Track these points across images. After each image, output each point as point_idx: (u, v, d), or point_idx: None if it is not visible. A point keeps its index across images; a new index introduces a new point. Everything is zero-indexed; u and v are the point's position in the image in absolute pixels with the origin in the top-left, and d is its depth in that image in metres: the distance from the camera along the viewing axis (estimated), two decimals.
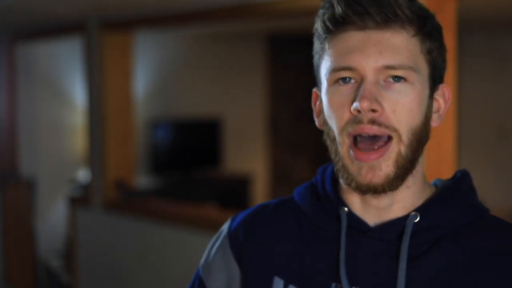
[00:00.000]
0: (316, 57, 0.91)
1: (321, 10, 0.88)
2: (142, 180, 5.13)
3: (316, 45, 0.90)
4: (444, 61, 0.91)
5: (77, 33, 4.00)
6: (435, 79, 0.89)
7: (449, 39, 2.24)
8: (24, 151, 4.81)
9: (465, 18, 3.18)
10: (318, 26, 0.89)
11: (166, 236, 3.41)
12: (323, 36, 0.88)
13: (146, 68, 5.24)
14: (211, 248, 1.01)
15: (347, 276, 0.86)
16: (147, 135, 5.30)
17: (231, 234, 0.98)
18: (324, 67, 0.88)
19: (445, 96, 0.91)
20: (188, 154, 5.49)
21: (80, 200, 4.06)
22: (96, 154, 3.86)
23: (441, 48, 0.90)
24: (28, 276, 4.49)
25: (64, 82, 4.97)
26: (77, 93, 4.93)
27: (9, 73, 4.65)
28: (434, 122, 0.90)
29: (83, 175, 4.81)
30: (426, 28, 0.86)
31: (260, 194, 5.97)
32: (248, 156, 5.98)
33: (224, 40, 5.71)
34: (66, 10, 3.49)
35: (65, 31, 4.12)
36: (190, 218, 3.29)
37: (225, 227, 1.01)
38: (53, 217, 4.94)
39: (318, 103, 0.93)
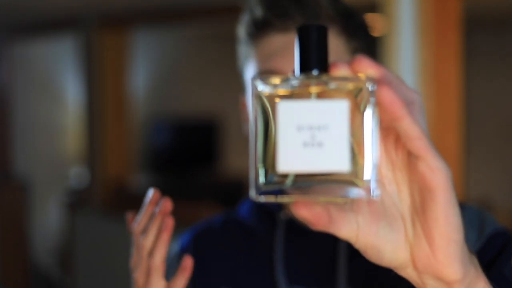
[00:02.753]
0: (239, 63, 0.89)
1: (242, 16, 0.86)
2: (141, 180, 5.08)
3: (240, 50, 0.88)
4: (373, 58, 0.86)
5: (73, 31, 3.95)
6: None
7: (454, 37, 2.18)
8: (17, 150, 4.75)
9: (471, 16, 3.11)
10: (240, 30, 0.87)
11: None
12: (246, 41, 0.85)
13: (146, 68, 5.19)
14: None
15: (287, 275, 0.85)
16: (146, 135, 5.25)
17: (183, 251, 0.96)
18: (248, 72, 0.86)
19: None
20: (187, 154, 5.46)
21: (77, 201, 4.02)
22: (94, 153, 3.81)
23: (368, 47, 0.87)
24: (23, 279, 4.43)
25: (56, 81, 4.92)
26: (69, 92, 4.88)
27: (2, 72, 4.60)
28: None
29: (76, 174, 4.75)
30: (351, 27, 0.84)
31: None
32: (247, 155, 5.92)
33: (224, 40, 5.66)
34: (62, 7, 3.43)
35: (60, 29, 4.07)
36: (189, 218, 3.23)
37: (174, 248, 0.99)
38: (47, 218, 4.88)
39: (245, 110, 0.91)
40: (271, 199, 0.46)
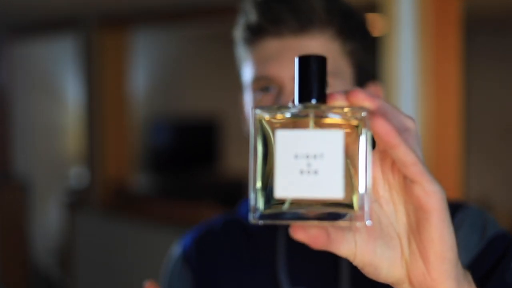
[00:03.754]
0: (238, 64, 0.90)
1: (239, 19, 0.86)
2: (141, 180, 5.08)
3: (237, 52, 0.89)
4: (371, 58, 0.88)
5: (73, 31, 3.95)
6: (361, 79, 0.86)
7: (454, 38, 2.18)
8: (17, 150, 4.75)
9: (471, 17, 3.11)
10: (236, 33, 0.87)
11: (166, 237, 3.36)
12: (242, 44, 0.86)
13: (146, 68, 5.19)
14: (167, 275, 0.99)
15: (290, 277, 0.85)
16: (146, 135, 5.25)
17: (186, 253, 0.96)
18: (245, 76, 0.86)
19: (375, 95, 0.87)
20: (187, 154, 5.46)
21: (77, 201, 4.01)
22: (94, 153, 3.81)
23: (367, 46, 0.87)
24: (23, 279, 4.42)
25: (56, 81, 4.92)
26: (69, 92, 4.88)
27: (2, 72, 4.59)
28: None
29: (76, 174, 4.75)
30: (347, 28, 0.83)
31: None
32: (247, 155, 5.91)
33: (224, 40, 5.65)
34: (62, 6, 3.43)
35: (60, 29, 4.07)
36: (189, 218, 3.24)
37: (176, 251, 0.99)
38: (47, 218, 4.88)
39: (244, 108, 0.92)
40: (269, 222, 0.48)
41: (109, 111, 3.74)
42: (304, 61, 0.50)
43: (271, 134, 0.48)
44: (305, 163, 0.47)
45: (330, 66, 0.78)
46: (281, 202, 0.48)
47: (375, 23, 2.33)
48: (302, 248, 0.86)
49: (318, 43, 0.81)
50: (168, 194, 4.83)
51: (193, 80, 5.58)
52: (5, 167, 4.61)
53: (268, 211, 0.48)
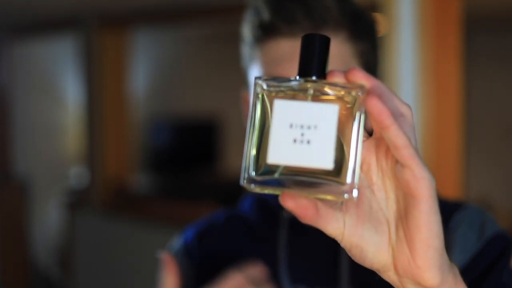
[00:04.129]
0: (244, 61, 0.88)
1: (248, 16, 0.85)
2: (141, 179, 5.08)
3: (245, 50, 0.87)
4: (377, 60, 0.88)
5: (73, 31, 3.95)
6: None
7: (455, 38, 2.18)
8: (16, 150, 4.75)
9: (472, 17, 3.11)
10: (245, 32, 0.86)
11: (165, 237, 3.35)
12: (251, 43, 0.85)
13: (146, 68, 5.18)
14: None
15: (290, 275, 0.85)
16: (146, 135, 5.25)
17: (187, 246, 0.97)
18: (252, 75, 0.85)
19: None
20: (187, 154, 5.45)
21: (77, 201, 4.01)
22: (94, 153, 3.80)
23: (374, 48, 0.87)
24: (23, 279, 4.42)
25: (56, 81, 4.92)
26: (69, 92, 4.87)
27: (2, 72, 4.59)
28: None
29: (76, 174, 4.75)
30: (359, 29, 0.83)
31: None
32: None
33: (225, 40, 5.65)
34: (62, 6, 3.43)
35: (60, 29, 4.06)
36: (189, 218, 3.23)
37: (177, 243, 0.99)
38: (47, 218, 4.88)
39: (246, 106, 0.91)
40: (259, 189, 0.49)
41: (109, 111, 3.74)
42: (309, 38, 0.52)
43: (268, 105, 0.50)
44: (299, 132, 0.49)
45: (341, 66, 0.78)
46: (273, 172, 0.49)
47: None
48: (303, 246, 0.87)
49: (331, 44, 0.82)
50: (168, 194, 4.83)
51: (193, 80, 5.57)
52: (5, 167, 4.61)
53: (260, 177, 0.49)
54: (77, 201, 4.00)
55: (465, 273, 0.57)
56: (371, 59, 0.86)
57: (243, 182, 0.50)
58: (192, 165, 5.46)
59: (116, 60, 3.76)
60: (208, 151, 5.56)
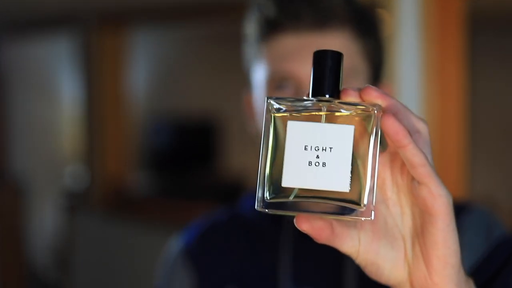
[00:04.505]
0: (247, 61, 0.88)
1: (252, 13, 0.85)
2: (140, 180, 5.06)
3: (248, 49, 0.87)
4: (382, 59, 0.87)
5: (71, 29, 3.93)
6: (376, 78, 0.87)
7: (458, 37, 2.17)
8: (14, 151, 4.73)
9: (476, 16, 3.10)
10: (249, 30, 0.85)
11: (165, 237, 3.34)
12: (256, 40, 0.84)
13: (145, 67, 5.17)
14: (167, 269, 0.97)
15: (294, 276, 0.85)
16: (145, 134, 5.24)
17: (188, 249, 0.95)
18: (258, 73, 0.84)
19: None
20: (187, 153, 5.45)
21: (75, 202, 4.00)
22: (92, 154, 3.79)
23: (379, 46, 0.87)
24: (20, 281, 4.39)
25: (54, 80, 4.91)
26: (67, 91, 4.85)
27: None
28: None
29: (75, 174, 4.73)
30: (364, 27, 0.83)
31: None
32: (246, 155, 5.92)
33: (224, 40, 5.65)
34: (60, 5, 3.41)
35: (58, 27, 4.05)
36: (188, 218, 3.22)
37: (176, 245, 0.98)
38: (45, 218, 4.86)
39: (250, 108, 0.90)
40: (274, 211, 0.49)
41: (108, 110, 3.72)
42: (321, 55, 0.51)
43: (281, 124, 0.49)
44: (314, 155, 0.48)
45: (346, 63, 0.77)
46: (288, 194, 0.48)
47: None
48: (307, 249, 0.85)
49: (336, 41, 0.80)
50: (167, 194, 4.81)
51: (192, 79, 5.56)
52: (1, 167, 4.59)
53: (274, 200, 0.49)
54: (75, 201, 3.98)
55: (472, 277, 0.57)
56: (376, 57, 0.86)
57: (257, 206, 0.49)
58: (192, 165, 5.46)
59: (115, 59, 3.75)
60: (208, 151, 5.56)
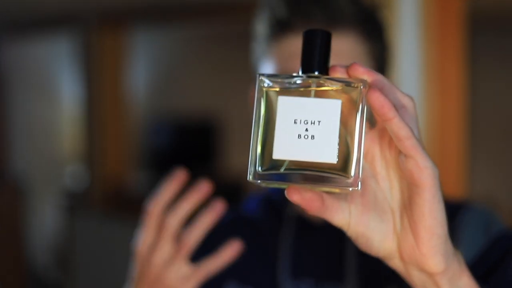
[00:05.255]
0: (254, 58, 0.90)
1: (263, 13, 0.86)
2: (140, 180, 5.06)
3: (256, 48, 0.89)
4: (388, 61, 0.89)
5: (71, 29, 3.93)
6: None
7: (459, 38, 2.16)
8: (14, 151, 4.73)
9: (476, 16, 3.10)
10: (259, 29, 0.87)
11: None
12: (264, 39, 0.86)
13: (145, 67, 5.17)
14: None
15: (293, 271, 0.86)
16: (145, 134, 5.24)
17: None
18: (265, 71, 0.86)
19: None
20: (187, 153, 5.44)
21: (75, 202, 3.99)
22: (93, 154, 3.79)
23: (386, 48, 0.89)
24: (20, 281, 4.40)
25: (54, 80, 4.90)
26: (67, 91, 4.85)
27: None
28: None
29: (74, 174, 4.73)
30: (371, 29, 0.85)
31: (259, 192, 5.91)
32: (247, 155, 5.92)
33: (224, 41, 5.65)
34: (60, 5, 3.41)
35: (58, 27, 4.05)
36: (188, 218, 3.22)
37: None
38: (44, 218, 4.86)
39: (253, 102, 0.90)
40: (265, 183, 0.51)
41: (108, 110, 3.72)
42: (310, 34, 0.53)
43: (273, 101, 0.51)
44: (303, 128, 0.50)
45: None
46: (279, 166, 0.50)
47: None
48: (308, 244, 0.87)
49: (344, 42, 0.82)
50: None
51: (192, 79, 5.56)
52: (1, 167, 4.59)
53: (266, 172, 0.50)
54: (75, 201, 3.98)
55: (470, 271, 0.58)
56: (383, 58, 0.87)
57: (249, 178, 0.51)
58: (192, 165, 5.44)
59: (115, 59, 3.75)
60: (208, 151, 5.56)
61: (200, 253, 0.93)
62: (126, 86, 3.85)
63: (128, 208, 3.61)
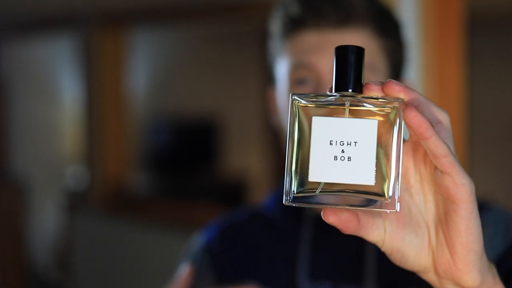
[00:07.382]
0: (270, 57, 0.91)
1: (277, 11, 0.88)
2: (141, 180, 5.06)
3: (272, 46, 0.90)
4: (403, 58, 0.89)
5: (71, 30, 3.93)
6: (395, 77, 0.89)
7: (458, 38, 2.16)
8: (14, 151, 4.73)
9: (476, 17, 3.10)
10: (273, 27, 0.89)
11: (165, 237, 3.34)
12: (279, 36, 0.87)
13: (145, 67, 5.17)
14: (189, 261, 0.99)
15: (311, 272, 0.86)
16: (146, 135, 5.23)
17: (209, 244, 0.98)
18: (280, 69, 0.87)
19: None
20: (187, 154, 5.44)
21: (76, 202, 4.00)
22: (93, 154, 3.79)
23: (400, 45, 0.89)
24: (21, 281, 4.39)
25: (54, 80, 4.90)
26: (68, 91, 4.85)
27: (0, 71, 4.57)
28: None
29: (75, 174, 4.73)
30: (384, 26, 0.85)
31: (259, 192, 5.90)
32: (247, 155, 5.92)
33: (224, 41, 5.65)
34: (60, 5, 3.41)
35: (58, 27, 4.05)
36: (188, 218, 3.22)
37: (199, 240, 1.00)
38: (45, 219, 4.86)
39: (273, 102, 0.94)
40: (301, 205, 0.50)
41: (108, 110, 3.72)
42: (343, 51, 0.52)
43: (306, 120, 0.50)
44: (339, 149, 0.49)
45: (367, 60, 0.80)
46: (314, 188, 0.50)
47: None
48: (327, 244, 0.87)
49: (357, 38, 0.83)
50: (167, 194, 4.81)
51: (192, 79, 5.56)
52: (2, 167, 4.59)
53: (301, 194, 0.50)
54: (76, 201, 3.98)
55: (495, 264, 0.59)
56: (397, 57, 0.88)
57: (285, 201, 0.50)
58: (192, 165, 5.45)
59: (115, 59, 3.75)
60: (208, 151, 5.55)
61: (220, 250, 0.95)
62: (126, 86, 3.85)
63: (128, 208, 3.61)
